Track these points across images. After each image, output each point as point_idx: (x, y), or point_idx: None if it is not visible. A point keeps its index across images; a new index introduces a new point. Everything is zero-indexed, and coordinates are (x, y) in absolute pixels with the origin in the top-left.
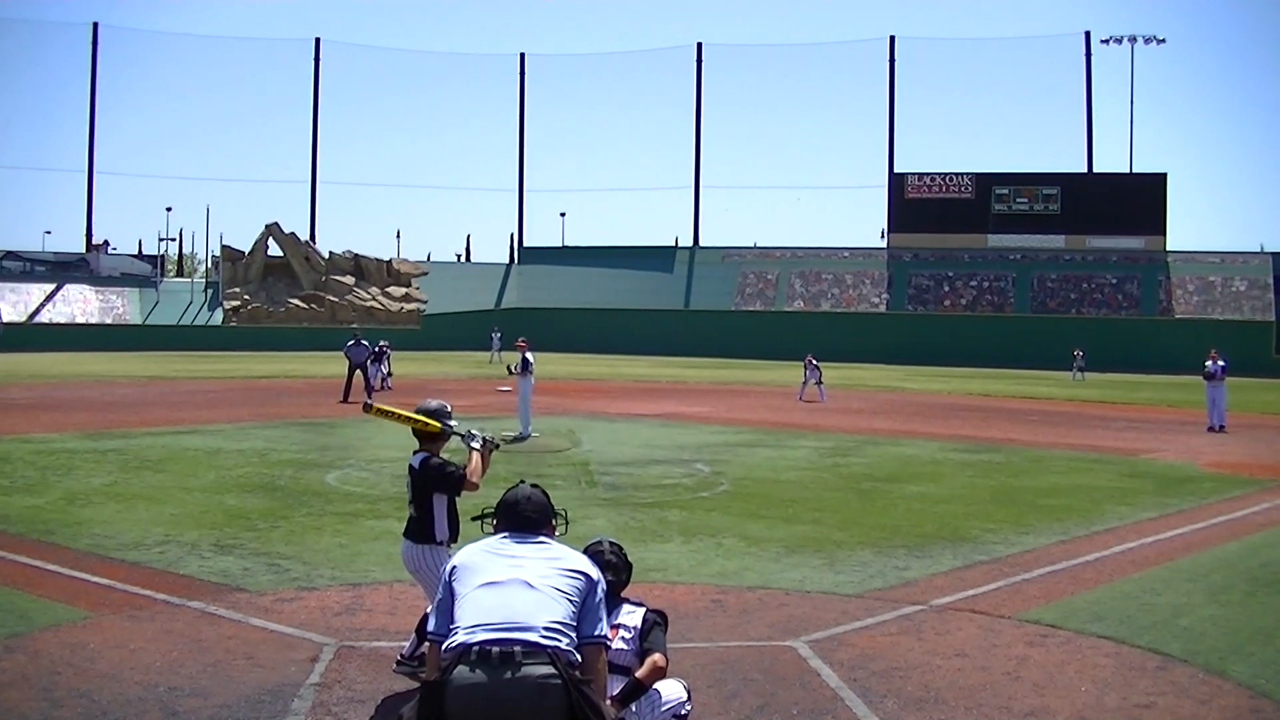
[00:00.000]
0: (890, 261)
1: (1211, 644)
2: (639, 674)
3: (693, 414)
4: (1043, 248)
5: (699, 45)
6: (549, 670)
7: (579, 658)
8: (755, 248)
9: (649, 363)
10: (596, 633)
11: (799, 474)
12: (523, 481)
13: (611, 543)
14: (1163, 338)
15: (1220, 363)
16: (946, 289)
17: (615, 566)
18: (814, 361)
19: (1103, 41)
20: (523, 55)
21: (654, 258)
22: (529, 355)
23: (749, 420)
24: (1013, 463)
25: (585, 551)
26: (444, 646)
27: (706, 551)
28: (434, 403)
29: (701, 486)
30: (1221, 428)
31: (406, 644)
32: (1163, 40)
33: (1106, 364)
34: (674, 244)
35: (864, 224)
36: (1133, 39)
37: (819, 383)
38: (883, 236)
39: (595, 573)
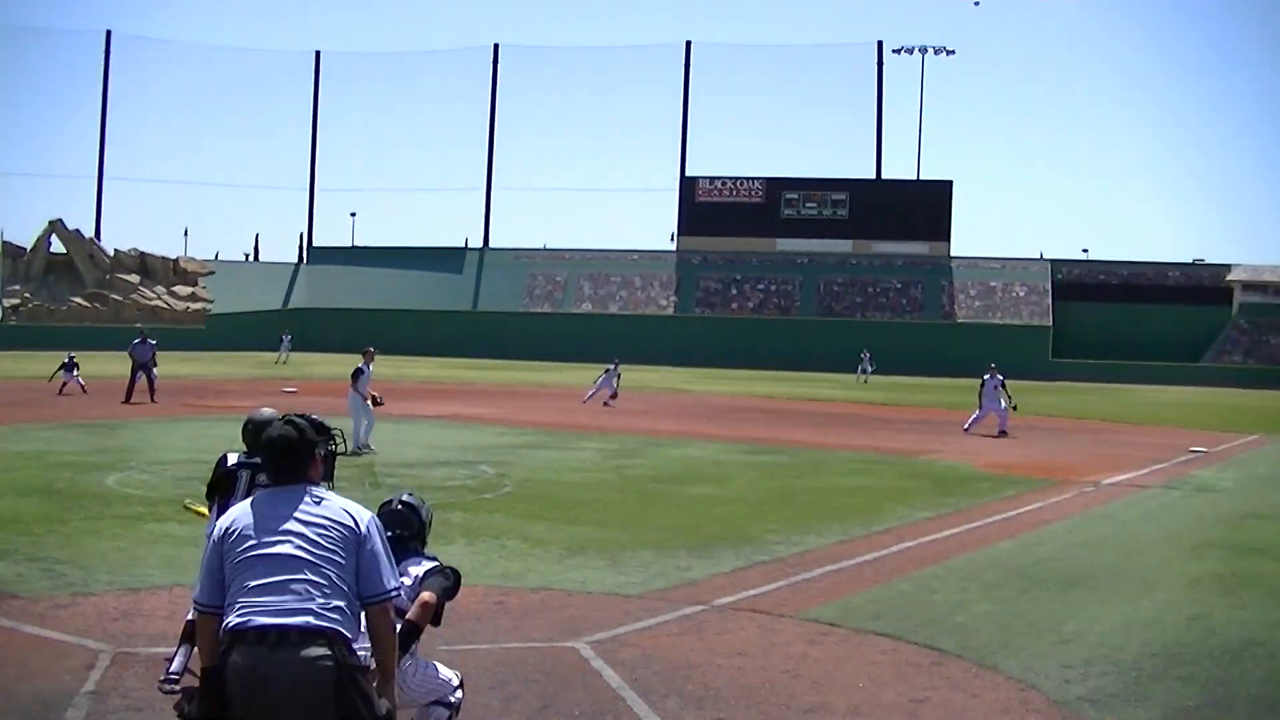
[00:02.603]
0: (679, 264)
1: (985, 639)
2: (410, 616)
3: (478, 415)
4: (830, 252)
5: (495, 46)
6: (324, 652)
7: (356, 634)
8: (545, 249)
9: (437, 364)
10: (378, 591)
11: (582, 475)
12: (281, 419)
13: (405, 498)
14: (945, 341)
15: (999, 376)
16: (735, 292)
17: (404, 519)
18: (615, 367)
19: (894, 51)
20: (318, 53)
21: (444, 259)
22: (364, 367)
23: (534, 422)
24: (795, 464)
25: (380, 509)
26: (221, 628)
27: (489, 553)
28: (267, 411)
29: (485, 488)
30: (1003, 433)
31: (176, 660)
32: (952, 52)
33: (890, 367)
34: (464, 245)
35: (654, 227)
36: (923, 50)
37: (614, 394)
38: (672, 239)
39: (364, 523)
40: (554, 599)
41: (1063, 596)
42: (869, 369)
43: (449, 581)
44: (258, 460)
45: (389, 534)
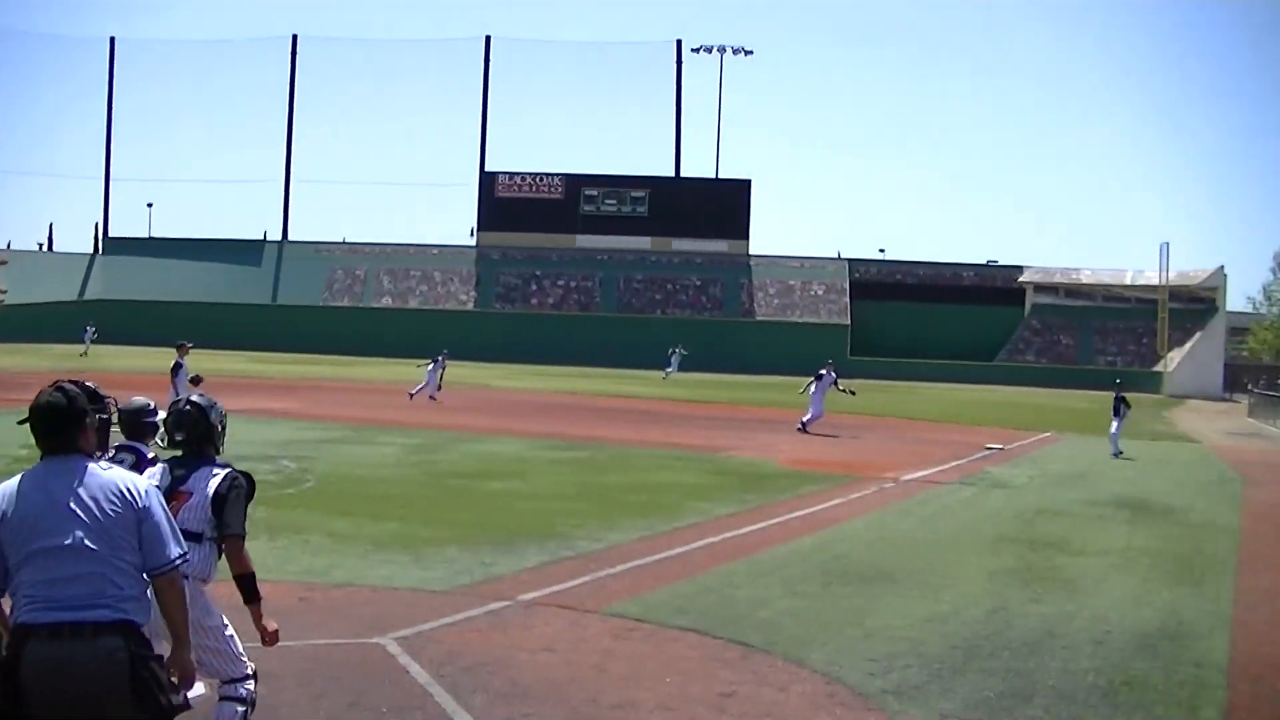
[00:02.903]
0: (479, 260)
1: (789, 634)
2: (238, 571)
3: (280, 409)
4: (630, 249)
5: (294, 37)
6: (119, 644)
7: (147, 618)
8: (344, 243)
9: (236, 357)
10: (162, 563)
11: (386, 471)
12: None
13: (194, 398)
14: (745, 339)
15: (834, 374)
16: (535, 288)
17: (193, 421)
18: (442, 360)
19: (694, 50)
20: (113, 39)
21: (243, 251)
22: (182, 360)
23: (337, 416)
24: (598, 460)
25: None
26: (13, 622)
27: (293, 549)
28: (139, 400)
29: (287, 483)
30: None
31: None
32: (750, 52)
33: (690, 364)
34: (263, 238)
35: (454, 222)
36: (722, 49)
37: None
38: (472, 235)
39: (144, 494)
40: (359, 595)
41: (865, 591)
42: (673, 366)
43: (245, 502)
44: (120, 444)
45: (178, 437)
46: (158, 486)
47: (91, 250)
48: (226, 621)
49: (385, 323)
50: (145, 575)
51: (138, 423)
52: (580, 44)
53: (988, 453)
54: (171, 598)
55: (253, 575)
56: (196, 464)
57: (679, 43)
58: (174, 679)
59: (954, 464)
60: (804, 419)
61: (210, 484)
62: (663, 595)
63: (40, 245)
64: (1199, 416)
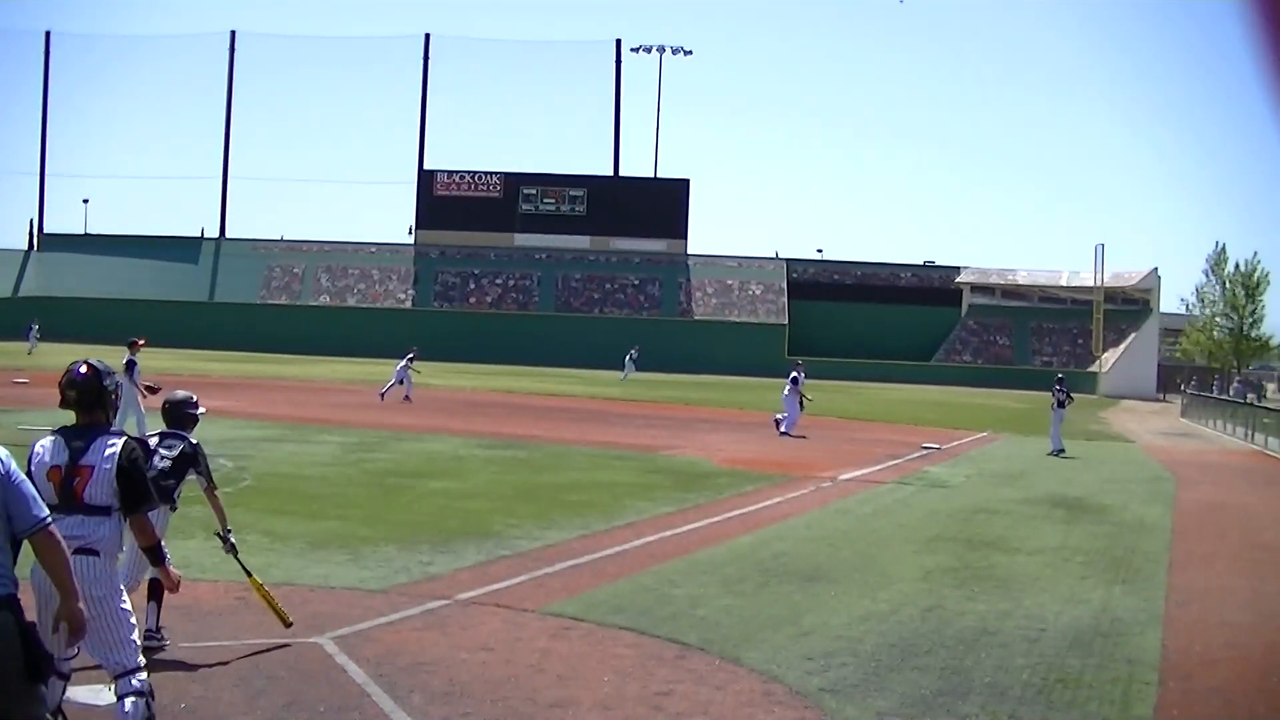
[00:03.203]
0: (418, 258)
1: (726, 633)
2: (146, 543)
3: (216, 408)
4: (568, 248)
5: (232, 33)
6: (8, 617)
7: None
8: (282, 240)
9: (173, 355)
10: (31, 524)
11: (323, 469)
12: None
13: (92, 361)
14: (682, 338)
15: (802, 373)
16: (473, 286)
17: (86, 384)
18: (412, 360)
19: (633, 50)
20: (48, 34)
21: (180, 248)
22: (135, 357)
23: (273, 415)
24: (536, 459)
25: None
26: None
27: None
28: (181, 394)
29: (224, 482)
30: (781, 427)
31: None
32: (690, 52)
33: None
34: (200, 235)
35: (393, 220)
36: (661, 49)
37: (408, 388)
38: (410, 233)
39: (3, 460)
40: (296, 594)
41: (803, 590)
42: (629, 369)
43: (139, 474)
44: (163, 432)
45: (70, 395)
46: (53, 462)
47: (26, 247)
48: (130, 608)
49: (323, 321)
50: (16, 538)
51: (182, 413)
52: (520, 43)
53: (925, 452)
54: (52, 552)
55: (159, 543)
56: (92, 434)
57: (618, 42)
58: (62, 633)
59: (891, 463)
60: (779, 422)
61: (110, 455)
62: (600, 594)
63: None
64: (1133, 416)
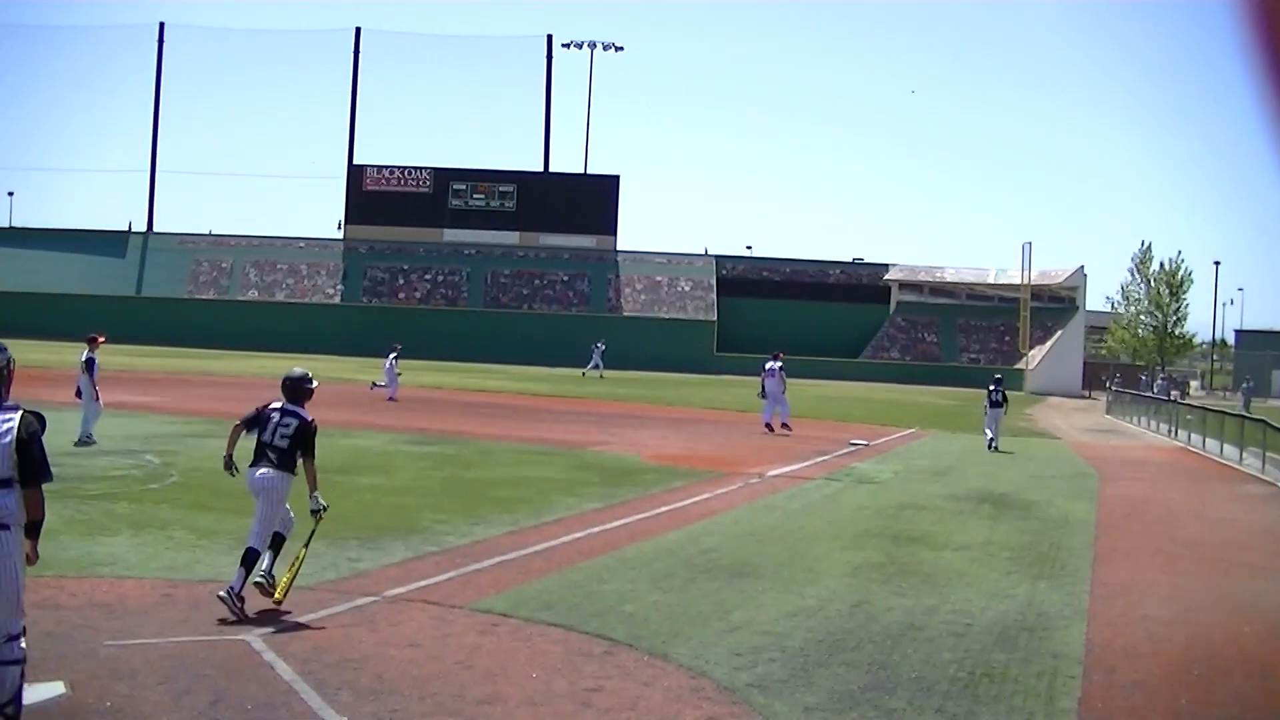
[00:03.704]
0: (346, 253)
1: (655, 628)
2: (33, 516)
3: (143, 403)
4: (497, 244)
5: (161, 25)
6: None
7: None
8: (210, 235)
9: (99, 350)
10: None
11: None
12: None
13: None
14: (611, 334)
15: (779, 364)
16: (402, 282)
17: None
18: (394, 358)
19: (564, 45)
20: None
21: (106, 242)
22: (94, 354)
23: (200, 410)
24: (463, 455)
25: None
26: None
27: (156, 545)
28: (299, 370)
29: (151, 478)
30: (770, 427)
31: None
32: (621, 48)
33: (556, 359)
34: (127, 229)
35: (321, 215)
36: (593, 45)
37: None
38: (339, 228)
39: None
40: (222, 591)
41: (730, 586)
42: (599, 364)
43: (38, 447)
44: (284, 406)
45: None
46: None
47: None
48: (23, 571)
49: (251, 316)
50: None
51: (299, 389)
52: (451, 37)
53: (853, 448)
54: None
55: (42, 520)
56: None
57: (549, 37)
58: None
59: (819, 459)
60: (780, 419)
61: (8, 429)
62: (529, 590)
63: None
64: (1059, 413)
